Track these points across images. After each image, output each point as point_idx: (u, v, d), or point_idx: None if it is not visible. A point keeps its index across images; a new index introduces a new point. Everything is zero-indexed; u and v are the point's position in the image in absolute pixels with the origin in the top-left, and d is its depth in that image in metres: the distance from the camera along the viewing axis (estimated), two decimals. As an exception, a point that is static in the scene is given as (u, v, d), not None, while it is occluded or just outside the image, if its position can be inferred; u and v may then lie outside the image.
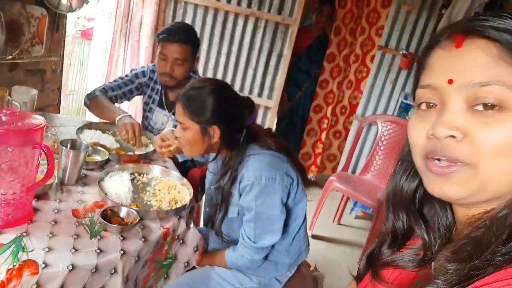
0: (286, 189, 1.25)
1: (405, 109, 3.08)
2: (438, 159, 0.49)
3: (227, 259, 1.33)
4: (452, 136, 0.47)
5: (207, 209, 1.46)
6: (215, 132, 1.27)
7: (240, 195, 1.27)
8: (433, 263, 0.56)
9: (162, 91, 1.90)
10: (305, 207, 1.37)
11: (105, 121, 1.80)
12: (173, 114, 1.87)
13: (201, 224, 1.64)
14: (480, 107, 0.46)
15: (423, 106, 0.52)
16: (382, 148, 2.88)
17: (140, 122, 1.99)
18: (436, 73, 0.50)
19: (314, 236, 2.81)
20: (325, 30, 3.52)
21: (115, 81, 1.90)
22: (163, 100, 1.90)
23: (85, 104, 1.84)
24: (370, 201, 2.61)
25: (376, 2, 3.33)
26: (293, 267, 1.43)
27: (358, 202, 3.12)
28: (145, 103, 1.97)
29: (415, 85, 0.55)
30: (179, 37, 1.72)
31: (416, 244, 0.59)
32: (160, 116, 1.92)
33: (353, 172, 3.43)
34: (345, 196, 2.99)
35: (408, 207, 0.60)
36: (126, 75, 1.92)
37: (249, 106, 1.34)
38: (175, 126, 1.85)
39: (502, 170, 0.46)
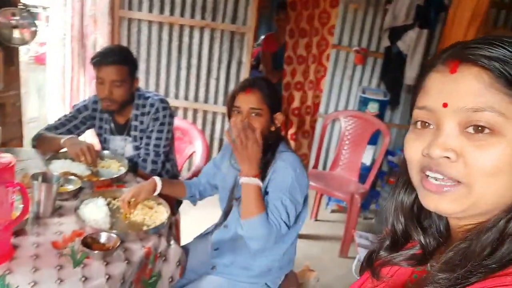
0: (307, 186, 1.39)
1: (364, 103, 3.22)
2: (434, 178, 0.52)
3: (255, 219, 1.25)
4: (447, 157, 0.50)
5: (224, 205, 1.52)
6: (279, 118, 1.40)
7: (268, 183, 1.33)
8: (428, 263, 0.60)
9: (111, 119, 1.88)
10: (307, 214, 1.45)
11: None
12: (128, 135, 1.87)
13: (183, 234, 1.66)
14: (472, 130, 0.49)
15: (419, 125, 0.55)
16: (347, 142, 3.00)
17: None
18: (431, 96, 0.53)
19: (293, 235, 2.88)
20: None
21: (58, 119, 1.89)
22: (114, 126, 1.89)
23: (33, 146, 1.82)
24: (342, 195, 2.71)
25: (325, 2, 3.46)
26: (284, 271, 1.49)
27: (332, 197, 3.23)
28: (98, 135, 1.94)
29: (412, 104, 0.58)
30: (114, 58, 1.70)
31: (415, 247, 0.63)
32: (117, 143, 1.90)
33: (324, 168, 3.54)
34: (319, 193, 3.08)
35: (407, 215, 0.64)
36: (70, 112, 1.91)
37: None
38: (136, 148, 1.87)
39: (493, 189, 0.49)
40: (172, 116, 1.88)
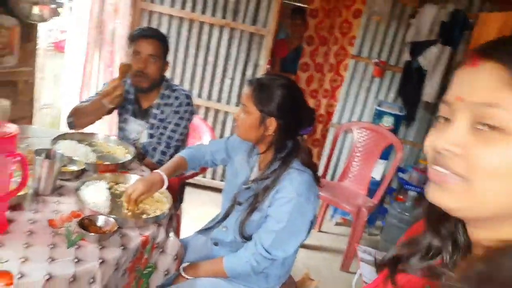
0: (315, 211, 1.30)
1: (379, 116, 3.17)
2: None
3: (226, 265, 1.31)
4: (451, 151, 0.49)
5: (226, 204, 1.46)
6: (271, 125, 1.28)
7: (270, 203, 1.27)
8: (444, 277, 0.55)
9: (135, 100, 1.89)
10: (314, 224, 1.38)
11: (81, 131, 1.77)
12: (147, 122, 1.86)
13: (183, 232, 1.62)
14: (481, 127, 0.47)
15: (441, 119, 0.54)
16: (358, 154, 2.94)
17: (116, 134, 1.97)
18: (451, 89, 0.52)
19: (295, 244, 2.81)
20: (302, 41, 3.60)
21: (89, 97, 1.90)
22: (136, 109, 1.89)
23: (70, 125, 1.81)
24: (349, 207, 2.64)
25: (347, 12, 3.43)
26: (282, 280, 1.43)
27: (338, 209, 3.16)
28: (119, 114, 1.95)
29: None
30: (153, 33, 1.78)
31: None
32: (134, 126, 1.90)
33: (332, 178, 3.48)
34: (324, 203, 3.02)
35: (432, 220, 0.60)
36: (101, 90, 1.90)
37: (311, 118, 1.37)
38: (150, 135, 1.84)
39: (494, 190, 0.46)
40: (192, 113, 1.89)
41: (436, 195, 0.51)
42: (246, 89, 1.31)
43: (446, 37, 2.98)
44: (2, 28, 1.75)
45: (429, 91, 3.06)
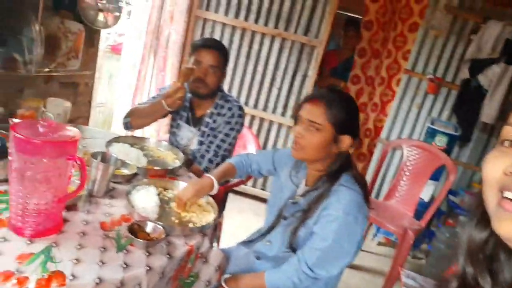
0: (363, 231, 1.25)
1: (431, 135, 3.02)
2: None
3: (267, 280, 1.28)
4: None
5: (271, 217, 1.44)
6: (345, 142, 1.25)
7: (316, 221, 1.25)
8: None
9: (190, 107, 1.92)
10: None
11: (133, 135, 1.83)
12: (199, 129, 1.88)
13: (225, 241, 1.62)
14: None
15: (507, 144, 0.50)
16: (407, 173, 2.82)
17: (167, 138, 2.02)
18: None
19: (334, 261, 2.74)
20: (354, 53, 3.54)
21: (145, 101, 1.94)
22: (190, 116, 1.92)
23: (126, 125, 1.85)
24: (394, 228, 2.53)
25: (403, 26, 3.32)
26: None
27: (381, 228, 3.04)
28: (173, 119, 1.99)
29: (504, 121, 0.53)
30: (215, 44, 1.81)
31: None
32: (186, 132, 1.94)
33: (377, 196, 3.36)
34: (367, 222, 2.92)
35: (475, 256, 0.56)
36: (157, 95, 1.95)
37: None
38: (200, 142, 1.87)
39: None
40: (242, 125, 1.91)
41: (510, 227, 0.46)
42: (314, 105, 1.26)
43: (510, 56, 2.80)
44: (69, 32, 1.85)
45: (488, 112, 2.89)
